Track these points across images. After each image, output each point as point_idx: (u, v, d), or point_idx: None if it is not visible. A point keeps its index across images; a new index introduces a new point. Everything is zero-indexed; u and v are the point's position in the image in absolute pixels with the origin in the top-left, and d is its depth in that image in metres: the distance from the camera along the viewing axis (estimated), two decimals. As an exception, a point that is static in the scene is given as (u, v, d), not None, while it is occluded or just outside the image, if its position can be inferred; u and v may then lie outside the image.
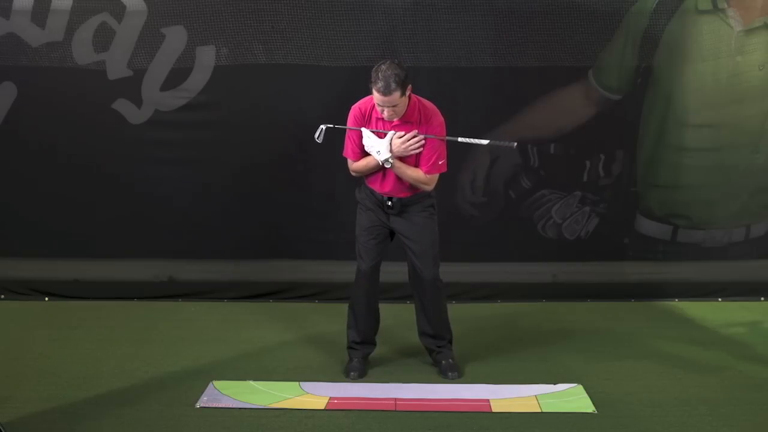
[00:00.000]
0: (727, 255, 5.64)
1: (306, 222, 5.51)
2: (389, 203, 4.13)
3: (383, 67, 3.85)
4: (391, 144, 3.98)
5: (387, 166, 4.01)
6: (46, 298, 5.44)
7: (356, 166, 4.13)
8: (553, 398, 3.98)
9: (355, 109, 4.10)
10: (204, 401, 3.90)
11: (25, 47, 5.24)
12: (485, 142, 4.15)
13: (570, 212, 5.57)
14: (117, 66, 5.27)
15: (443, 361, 4.27)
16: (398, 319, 4.76)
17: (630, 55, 5.37)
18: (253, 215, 5.46)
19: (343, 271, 5.35)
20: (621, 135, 5.53)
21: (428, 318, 4.27)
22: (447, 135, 4.07)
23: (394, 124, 3.98)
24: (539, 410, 3.85)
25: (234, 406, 3.86)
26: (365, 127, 4.04)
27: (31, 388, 4.02)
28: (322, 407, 3.86)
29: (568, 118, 5.45)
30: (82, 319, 5.10)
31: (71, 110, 5.30)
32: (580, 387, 4.08)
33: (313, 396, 3.98)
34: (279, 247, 5.54)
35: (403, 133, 3.97)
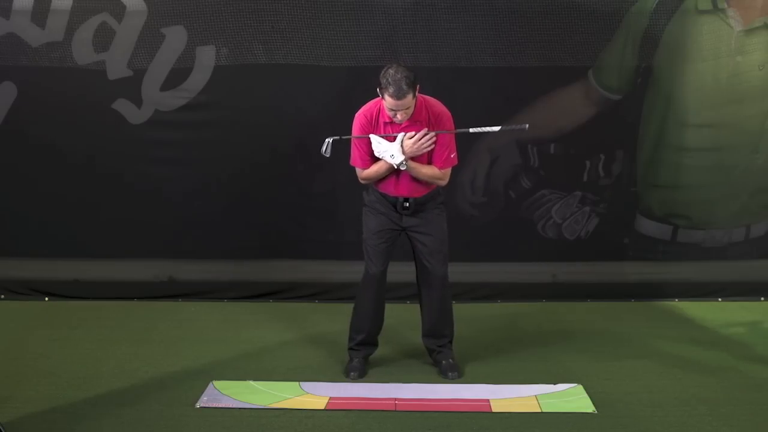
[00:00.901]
0: (727, 255, 5.64)
1: (306, 222, 5.51)
2: (406, 204, 4.11)
3: (391, 71, 3.83)
4: (402, 145, 3.97)
5: (402, 168, 3.99)
6: (46, 298, 5.44)
7: (367, 173, 4.09)
8: (553, 398, 3.98)
9: (360, 116, 4.06)
10: (204, 401, 3.90)
11: (25, 47, 5.24)
12: (497, 128, 4.11)
13: (570, 212, 5.57)
14: (117, 66, 5.27)
15: (443, 361, 4.26)
16: (399, 319, 4.76)
17: (630, 55, 5.38)
18: (253, 215, 5.47)
19: (343, 271, 5.37)
20: (621, 135, 5.53)
21: (434, 316, 4.26)
22: (454, 129, 4.06)
23: (403, 125, 3.97)
24: (539, 410, 3.85)
25: (234, 406, 3.86)
26: (373, 133, 4.01)
27: (31, 388, 4.02)
28: (322, 407, 3.86)
29: (568, 118, 5.45)
30: (82, 319, 5.10)
31: (71, 110, 5.31)
32: (580, 387, 4.08)
33: (313, 396, 3.98)
34: (279, 247, 5.54)
35: (413, 133, 3.96)
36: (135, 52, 5.25)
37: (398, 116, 3.91)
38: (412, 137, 3.95)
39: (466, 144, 5.35)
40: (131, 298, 5.44)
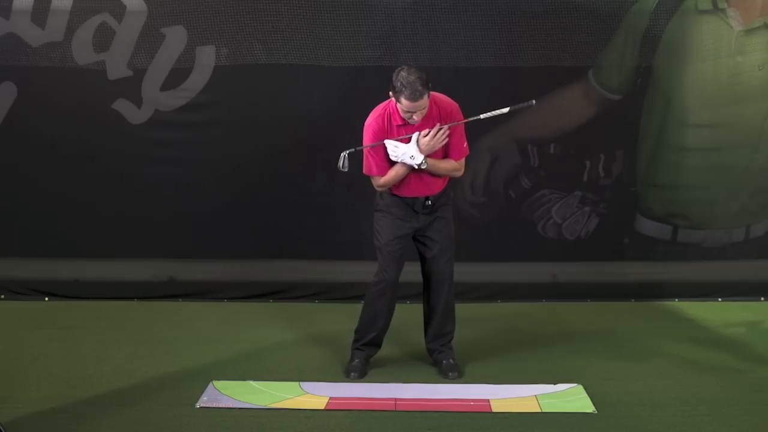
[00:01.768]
0: (726, 255, 5.64)
1: (306, 222, 5.51)
2: (428, 203, 4.10)
3: (403, 74, 3.82)
4: (419, 145, 3.96)
5: (423, 167, 3.98)
6: (46, 298, 5.44)
7: (385, 179, 4.05)
8: (553, 398, 3.97)
9: (372, 124, 4.02)
10: (204, 401, 3.90)
11: (25, 47, 5.24)
12: (506, 109, 4.10)
13: (570, 212, 5.57)
14: (117, 66, 5.27)
15: (444, 361, 4.26)
16: (399, 319, 4.74)
17: (630, 55, 5.38)
18: (253, 215, 5.47)
19: (344, 271, 5.37)
20: (621, 135, 5.53)
21: (439, 314, 4.25)
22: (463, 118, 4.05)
23: (416, 125, 3.96)
24: (539, 410, 3.85)
25: (234, 406, 3.86)
26: (388, 137, 3.99)
27: (31, 388, 4.02)
28: (322, 407, 3.86)
29: (568, 118, 5.45)
30: (82, 319, 5.10)
31: (71, 110, 5.31)
32: (580, 387, 4.08)
33: (313, 396, 3.98)
34: (279, 247, 5.53)
35: (427, 131, 3.95)
36: (135, 52, 5.25)
37: (414, 117, 3.90)
38: (427, 135, 3.94)
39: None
40: (131, 298, 5.43)
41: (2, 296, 5.43)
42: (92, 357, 4.46)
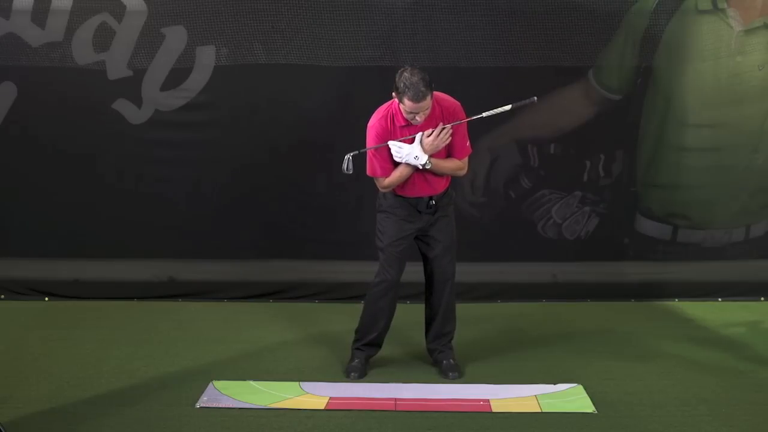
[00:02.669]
0: (726, 255, 5.64)
1: (306, 222, 5.51)
2: (432, 202, 4.10)
3: (406, 74, 3.82)
4: (423, 145, 3.96)
5: (428, 167, 3.98)
6: (46, 298, 5.44)
7: (390, 180, 4.05)
8: (553, 398, 3.97)
9: (375, 126, 4.01)
10: (204, 401, 3.90)
11: (25, 47, 5.24)
12: (508, 107, 4.10)
13: (570, 212, 5.57)
14: (117, 66, 5.27)
15: (444, 361, 4.26)
16: (400, 319, 4.74)
17: (630, 55, 5.38)
18: (253, 215, 5.47)
19: (344, 271, 5.37)
20: (621, 135, 5.53)
21: (440, 314, 4.25)
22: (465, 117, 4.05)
23: (418, 126, 3.96)
24: (539, 410, 3.85)
25: (234, 406, 3.86)
26: (391, 138, 3.99)
27: (31, 388, 4.02)
28: (322, 407, 3.86)
29: (568, 118, 5.45)
30: (82, 319, 5.10)
31: (71, 110, 5.31)
32: (580, 387, 4.08)
33: (313, 396, 3.98)
34: (279, 247, 5.54)
35: (430, 131, 3.96)
36: (135, 52, 5.25)
37: (417, 118, 3.90)
38: (430, 134, 3.95)
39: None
40: (131, 298, 5.43)
41: (2, 296, 5.43)
42: (92, 357, 4.46)
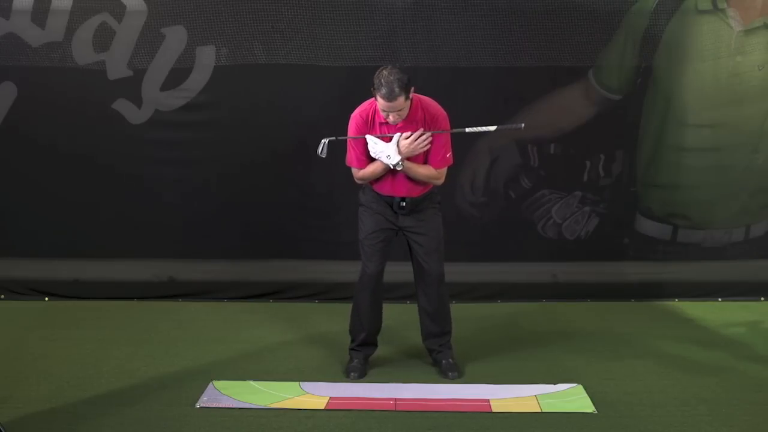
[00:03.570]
0: (726, 255, 5.64)
1: (306, 222, 5.51)
2: (402, 204, 4.11)
3: (385, 72, 3.83)
4: (399, 146, 3.97)
5: (399, 168, 3.99)
6: (46, 298, 5.44)
7: (363, 173, 4.09)
8: (553, 398, 3.98)
9: (356, 116, 4.06)
10: (204, 401, 3.90)
11: (25, 47, 5.24)
12: (493, 128, 4.11)
13: (570, 212, 5.57)
14: (117, 66, 5.27)
15: (443, 361, 4.27)
16: (399, 320, 4.76)
17: (630, 55, 5.38)
18: (253, 215, 5.47)
19: (343, 271, 5.36)
20: (621, 135, 5.53)
21: (433, 315, 4.26)
22: (450, 128, 4.06)
23: (399, 126, 3.97)
24: (539, 410, 3.85)
25: (234, 406, 3.86)
26: (369, 133, 4.02)
27: (31, 388, 4.02)
28: (322, 407, 3.86)
29: (568, 118, 5.45)
30: (82, 319, 5.10)
31: (71, 110, 5.31)
32: (580, 387, 4.08)
33: (313, 396, 3.98)
34: (279, 247, 5.54)
35: (409, 133, 3.96)
36: (135, 52, 5.25)
37: (390, 117, 3.92)
38: (408, 137, 3.95)
39: (465, 144, 5.36)
40: (131, 298, 5.44)
41: (2, 296, 5.43)
42: (92, 357, 4.46)
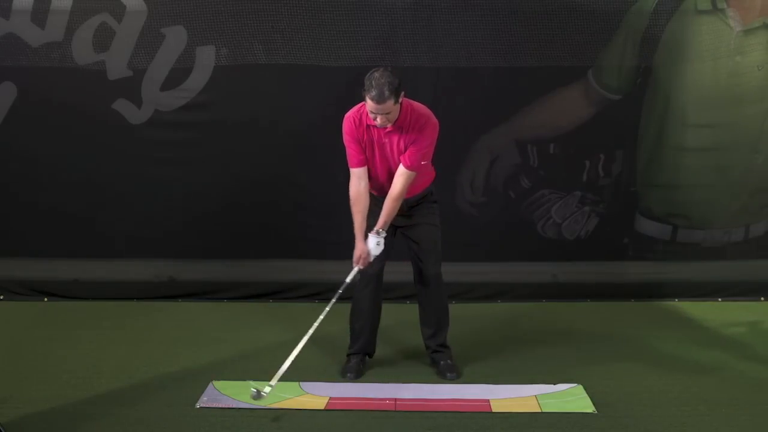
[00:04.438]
0: (726, 255, 5.65)
1: (306, 222, 5.51)
2: None
3: (376, 75, 3.82)
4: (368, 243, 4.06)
5: (383, 236, 4.04)
6: (46, 298, 5.44)
7: (351, 200, 4.11)
8: (553, 398, 3.98)
9: (346, 121, 4.05)
10: (204, 401, 3.90)
11: (25, 47, 5.24)
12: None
13: (570, 212, 5.57)
14: (117, 66, 5.27)
15: (441, 362, 4.27)
16: (398, 320, 4.76)
17: (630, 55, 5.38)
18: (253, 215, 5.47)
19: (344, 271, 5.34)
20: (621, 135, 5.53)
21: (430, 313, 4.27)
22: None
23: (387, 130, 3.97)
24: (539, 410, 3.85)
25: (234, 406, 3.86)
26: (358, 134, 4.00)
27: (31, 388, 4.01)
28: (322, 407, 3.86)
29: (568, 118, 5.45)
30: (82, 319, 5.10)
31: (71, 110, 5.30)
32: (580, 387, 4.08)
33: (313, 396, 3.98)
34: (279, 247, 5.54)
35: (360, 258, 4.06)
36: (135, 52, 5.25)
37: (378, 120, 3.90)
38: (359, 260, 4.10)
39: (465, 144, 5.37)
40: (131, 298, 5.43)
41: (2, 296, 5.43)
42: (92, 357, 4.46)
